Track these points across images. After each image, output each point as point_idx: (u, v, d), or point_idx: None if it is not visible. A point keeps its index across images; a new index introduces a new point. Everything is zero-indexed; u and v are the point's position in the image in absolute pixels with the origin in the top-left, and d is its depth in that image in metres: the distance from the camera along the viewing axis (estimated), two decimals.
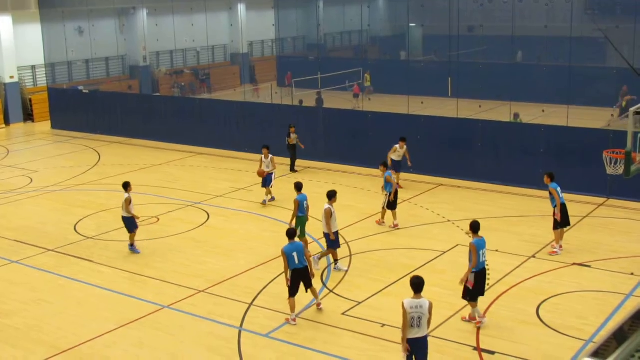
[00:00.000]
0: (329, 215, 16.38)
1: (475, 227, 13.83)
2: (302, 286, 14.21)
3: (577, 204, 21.32)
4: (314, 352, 13.05)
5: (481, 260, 13.52)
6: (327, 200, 16.73)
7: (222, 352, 13.31)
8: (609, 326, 13.61)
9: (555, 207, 17.19)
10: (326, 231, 16.54)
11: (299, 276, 14.13)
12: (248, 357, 13.10)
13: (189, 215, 21.78)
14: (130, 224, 18.48)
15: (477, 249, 13.44)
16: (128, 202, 18.20)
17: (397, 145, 22.94)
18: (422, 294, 11.14)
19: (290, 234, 14.34)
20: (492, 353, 12.87)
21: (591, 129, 24.69)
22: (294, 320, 14.20)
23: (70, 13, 39.84)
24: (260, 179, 22.64)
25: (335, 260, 16.94)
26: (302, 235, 17.31)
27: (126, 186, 18.55)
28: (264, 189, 22.59)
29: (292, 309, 14.25)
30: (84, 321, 14.80)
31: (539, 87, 35.12)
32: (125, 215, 18.33)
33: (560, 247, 17.54)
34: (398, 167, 23.07)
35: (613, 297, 15.05)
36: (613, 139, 20.99)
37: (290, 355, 13.13)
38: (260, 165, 22.36)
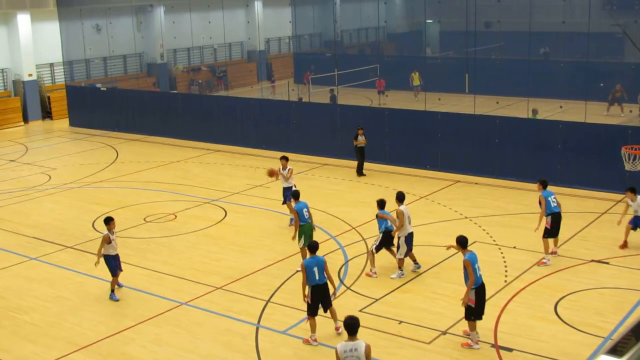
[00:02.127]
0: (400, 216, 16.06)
1: (463, 242, 13.19)
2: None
3: (595, 200, 21.22)
4: (331, 348, 13.03)
5: (478, 275, 12.84)
6: (398, 202, 16.42)
7: (239, 348, 13.36)
8: (627, 323, 13.54)
9: (547, 215, 16.62)
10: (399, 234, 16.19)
11: (319, 293, 13.32)
12: (265, 353, 13.14)
13: (206, 212, 21.84)
14: (109, 263, 15.82)
15: (471, 264, 12.76)
16: (105, 240, 15.58)
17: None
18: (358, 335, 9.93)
19: (313, 246, 13.55)
20: (510, 350, 12.84)
21: (609, 124, 24.54)
22: (315, 340, 13.36)
23: (88, 11, 40.01)
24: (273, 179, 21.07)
25: (414, 262, 16.63)
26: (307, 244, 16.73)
27: (107, 221, 15.80)
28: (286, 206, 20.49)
29: (313, 328, 13.42)
30: (102, 318, 14.89)
31: (556, 83, 34.95)
32: (106, 253, 15.72)
33: (554, 252, 16.99)
34: None
35: (632, 294, 14.97)
36: (632, 135, 20.86)
37: (307, 351, 13.16)
38: (277, 176, 20.36)
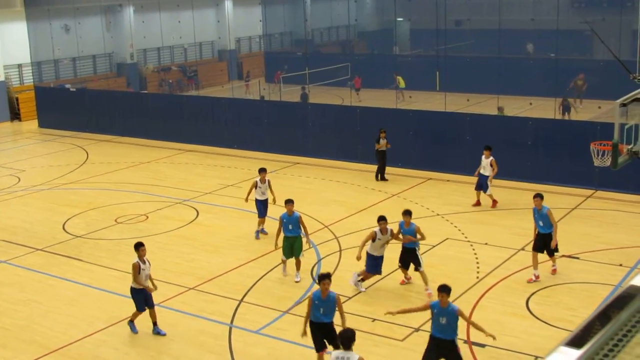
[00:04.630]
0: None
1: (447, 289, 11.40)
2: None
3: (565, 196, 21.42)
4: (305, 347, 13.02)
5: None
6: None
7: (212, 349, 13.31)
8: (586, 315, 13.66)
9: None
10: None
11: (319, 330, 11.93)
12: (239, 353, 13.10)
13: (178, 212, 21.74)
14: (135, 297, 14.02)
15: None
16: (136, 269, 13.81)
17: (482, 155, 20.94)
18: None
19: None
20: (483, 346, 12.91)
21: (578, 121, 24.80)
22: None
23: (56, 11, 39.65)
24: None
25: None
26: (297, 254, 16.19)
27: (137, 247, 14.10)
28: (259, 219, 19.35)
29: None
30: (74, 320, 14.76)
31: (526, 80, 35.22)
32: (134, 286, 13.93)
33: (537, 277, 15.69)
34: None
35: (602, 289, 15.12)
36: (600, 131, 21.07)
37: (281, 351, 13.14)
38: (250, 192, 19.12)
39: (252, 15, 50.15)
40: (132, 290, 13.86)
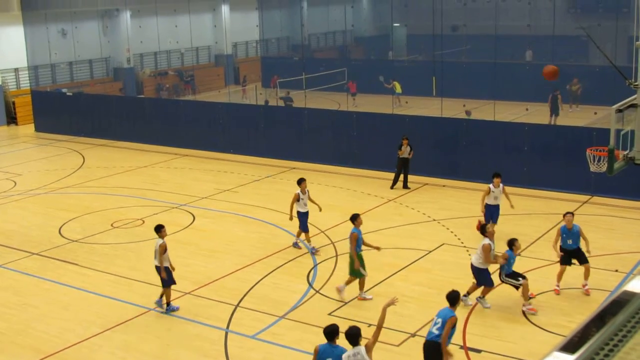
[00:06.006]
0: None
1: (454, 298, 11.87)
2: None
3: (561, 202, 21.45)
4: (300, 352, 13.04)
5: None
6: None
7: (208, 353, 13.30)
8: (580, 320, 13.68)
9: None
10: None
11: None
12: (235, 358, 13.10)
13: (174, 217, 21.72)
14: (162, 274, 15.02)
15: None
16: (163, 248, 14.92)
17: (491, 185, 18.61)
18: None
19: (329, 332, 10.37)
20: (479, 351, 12.92)
21: (574, 126, 24.84)
22: None
23: (53, 15, 39.64)
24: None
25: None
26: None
27: (159, 229, 15.17)
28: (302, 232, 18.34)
29: None
30: (70, 325, 14.75)
31: (522, 86, 35.28)
32: (158, 264, 15.02)
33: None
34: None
35: (598, 294, 15.14)
36: (596, 137, 21.12)
37: (277, 356, 13.14)
38: (292, 207, 17.96)
39: (249, 20, 50.18)
40: (158, 268, 14.88)
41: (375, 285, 15.96)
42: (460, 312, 14.34)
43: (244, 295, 15.78)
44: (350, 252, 15.20)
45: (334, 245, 18.56)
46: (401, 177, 23.86)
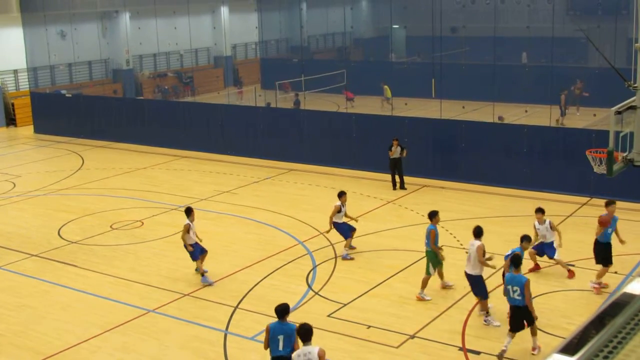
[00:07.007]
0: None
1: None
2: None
3: (561, 204, 21.45)
4: None
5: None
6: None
7: (207, 355, 13.29)
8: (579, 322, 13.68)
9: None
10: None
11: None
12: None
13: (173, 218, 21.71)
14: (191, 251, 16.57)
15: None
16: (186, 228, 16.37)
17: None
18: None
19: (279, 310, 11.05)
20: (478, 353, 12.92)
21: (574, 128, 24.86)
22: None
23: (52, 17, 39.63)
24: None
25: None
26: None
27: (188, 212, 16.66)
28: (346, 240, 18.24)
29: None
30: (69, 326, 14.74)
31: (521, 88, 35.32)
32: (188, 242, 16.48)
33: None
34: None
35: (597, 296, 15.15)
36: (595, 139, 21.13)
37: None
38: (332, 218, 17.99)
39: (248, 22, 50.22)
40: (186, 245, 16.41)
41: (375, 287, 15.96)
42: (460, 314, 14.37)
43: (243, 297, 15.78)
44: (430, 248, 15.31)
45: (333, 247, 18.55)
46: (397, 178, 23.90)
